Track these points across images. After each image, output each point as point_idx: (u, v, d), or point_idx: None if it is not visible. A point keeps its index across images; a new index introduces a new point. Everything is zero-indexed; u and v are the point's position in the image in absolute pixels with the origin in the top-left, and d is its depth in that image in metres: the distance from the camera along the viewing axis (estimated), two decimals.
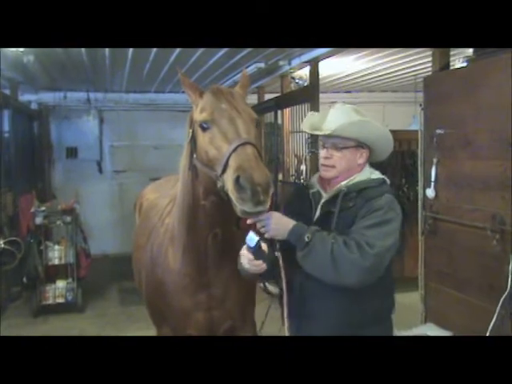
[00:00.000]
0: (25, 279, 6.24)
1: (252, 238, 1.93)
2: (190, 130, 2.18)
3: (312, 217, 2.17)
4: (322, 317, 2.11)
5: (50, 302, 6.20)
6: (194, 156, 2.16)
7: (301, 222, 2.05)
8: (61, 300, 6.23)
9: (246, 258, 2.00)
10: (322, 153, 2.19)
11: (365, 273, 1.94)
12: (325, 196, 2.19)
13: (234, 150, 1.88)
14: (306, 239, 1.97)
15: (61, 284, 6.27)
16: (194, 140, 2.15)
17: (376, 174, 2.22)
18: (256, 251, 1.95)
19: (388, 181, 2.23)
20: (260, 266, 1.98)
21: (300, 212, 2.16)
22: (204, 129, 2.05)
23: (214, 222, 2.29)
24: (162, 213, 2.83)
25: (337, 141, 2.13)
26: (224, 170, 1.90)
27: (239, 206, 1.85)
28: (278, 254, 2.03)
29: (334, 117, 2.19)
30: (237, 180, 1.80)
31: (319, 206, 2.18)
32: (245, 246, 1.99)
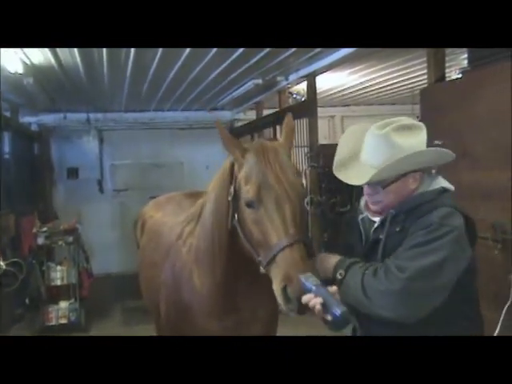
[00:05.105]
0: (27, 300, 6.25)
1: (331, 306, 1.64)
2: (232, 188, 2.04)
3: (363, 246, 2.02)
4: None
5: (54, 323, 6.18)
6: (236, 217, 2.03)
7: (343, 257, 1.92)
8: (64, 321, 6.21)
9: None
10: (365, 189, 1.97)
11: (397, 300, 1.70)
12: (374, 222, 2.03)
13: (282, 249, 1.80)
14: (339, 276, 1.84)
15: (63, 305, 6.26)
16: (236, 200, 2.02)
17: (434, 184, 1.95)
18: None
19: (451, 187, 1.95)
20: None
21: (352, 242, 2.03)
22: (249, 206, 1.93)
23: (248, 259, 2.18)
24: (182, 232, 2.72)
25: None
26: (269, 263, 1.84)
27: (285, 310, 1.79)
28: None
29: (373, 152, 1.90)
30: (284, 290, 1.75)
31: (370, 234, 2.00)
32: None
